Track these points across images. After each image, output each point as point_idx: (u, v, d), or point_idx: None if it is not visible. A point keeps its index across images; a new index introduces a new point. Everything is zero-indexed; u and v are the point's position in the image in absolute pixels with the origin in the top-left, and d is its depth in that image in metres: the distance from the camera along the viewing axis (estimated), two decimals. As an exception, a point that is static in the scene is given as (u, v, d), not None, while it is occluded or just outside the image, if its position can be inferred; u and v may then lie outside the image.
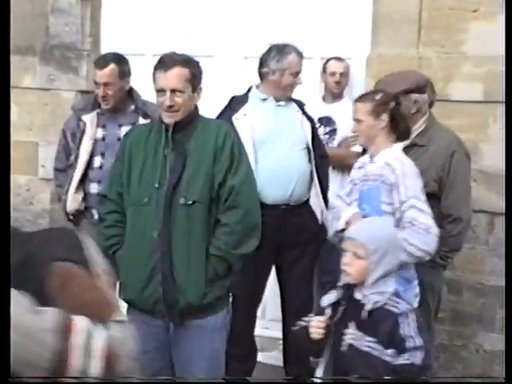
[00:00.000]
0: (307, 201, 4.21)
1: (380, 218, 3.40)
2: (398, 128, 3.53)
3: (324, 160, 4.31)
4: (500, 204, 4.43)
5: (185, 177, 3.16)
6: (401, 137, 3.55)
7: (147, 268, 3.16)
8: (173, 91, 3.15)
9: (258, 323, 4.88)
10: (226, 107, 4.22)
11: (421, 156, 3.67)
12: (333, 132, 4.85)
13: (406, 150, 3.64)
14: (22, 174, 5.59)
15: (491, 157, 4.45)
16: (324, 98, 4.95)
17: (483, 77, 4.40)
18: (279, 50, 4.14)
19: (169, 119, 3.18)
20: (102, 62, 4.15)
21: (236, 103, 4.25)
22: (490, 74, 4.38)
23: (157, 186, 3.15)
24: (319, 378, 3.11)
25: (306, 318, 3.08)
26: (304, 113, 4.25)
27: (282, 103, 4.23)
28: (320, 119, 4.78)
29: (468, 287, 4.55)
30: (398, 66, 4.37)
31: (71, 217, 4.22)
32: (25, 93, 5.51)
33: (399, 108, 3.56)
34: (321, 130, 4.72)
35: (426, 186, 3.56)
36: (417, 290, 3.44)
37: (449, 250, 3.74)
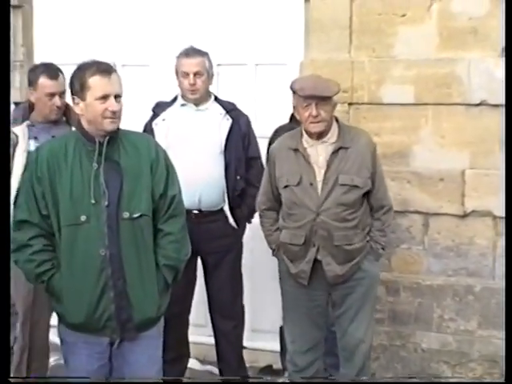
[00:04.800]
0: (222, 208, 4.27)
1: None
2: None
3: (254, 163, 4.35)
4: (434, 205, 4.53)
5: (125, 190, 3.10)
6: None
7: (97, 287, 3.07)
8: (116, 97, 3.11)
9: (202, 331, 4.92)
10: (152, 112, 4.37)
11: (350, 157, 3.76)
12: None
13: (334, 153, 3.75)
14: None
15: (424, 158, 4.53)
16: None
17: (414, 79, 4.47)
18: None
19: (112, 126, 3.10)
20: (52, 71, 4.09)
21: (158, 108, 4.37)
22: (420, 77, 4.46)
23: (93, 202, 3.06)
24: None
25: None
26: (229, 115, 4.28)
27: (201, 108, 4.29)
28: None
29: (405, 287, 4.61)
30: (331, 70, 4.44)
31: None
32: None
33: None
34: None
35: (364, 186, 3.74)
36: None
37: (387, 239, 3.90)
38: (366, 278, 3.82)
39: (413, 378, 4.43)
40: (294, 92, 3.78)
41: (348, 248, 3.75)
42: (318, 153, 3.76)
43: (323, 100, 3.68)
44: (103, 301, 3.08)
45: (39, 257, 3.11)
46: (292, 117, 4.43)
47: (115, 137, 3.15)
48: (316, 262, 3.76)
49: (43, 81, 4.10)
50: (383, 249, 3.87)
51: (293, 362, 3.94)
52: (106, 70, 3.11)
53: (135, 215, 3.09)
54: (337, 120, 3.86)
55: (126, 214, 3.08)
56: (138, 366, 3.20)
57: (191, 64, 4.24)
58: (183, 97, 4.31)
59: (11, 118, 4.17)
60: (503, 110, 4.31)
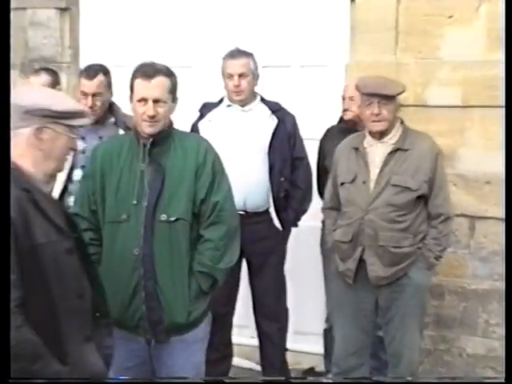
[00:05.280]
0: (268, 209, 4.27)
1: None
2: None
3: (299, 163, 4.34)
4: (480, 208, 4.47)
5: (165, 193, 3.10)
6: None
7: (130, 286, 3.10)
8: (155, 101, 3.11)
9: (245, 332, 4.93)
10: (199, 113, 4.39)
11: (407, 159, 3.75)
12: None
13: (391, 154, 3.75)
14: None
15: (469, 161, 4.48)
16: None
17: (460, 81, 4.43)
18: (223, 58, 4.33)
19: (150, 129, 3.11)
20: (91, 72, 4.13)
21: (205, 109, 4.39)
22: (466, 79, 4.41)
23: (135, 202, 3.08)
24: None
25: None
26: (275, 115, 4.29)
27: (246, 108, 4.32)
28: None
29: (450, 291, 4.56)
30: (377, 72, 4.39)
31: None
32: (5, 106, 5.48)
33: None
34: None
35: (418, 189, 3.70)
36: None
37: (442, 249, 3.83)
38: (411, 286, 3.75)
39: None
40: (358, 90, 3.81)
41: (394, 251, 3.71)
42: (376, 152, 3.78)
43: (386, 99, 3.70)
44: (135, 300, 3.10)
45: None
46: (341, 118, 4.44)
47: (162, 138, 3.16)
48: (362, 261, 3.76)
49: (81, 80, 4.17)
50: (437, 258, 3.79)
51: (337, 364, 3.94)
52: (148, 74, 3.12)
53: (172, 218, 3.08)
54: (402, 122, 3.85)
55: (164, 217, 3.08)
56: (175, 368, 3.19)
57: (236, 65, 4.26)
58: (229, 98, 4.33)
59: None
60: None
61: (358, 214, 3.73)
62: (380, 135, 3.77)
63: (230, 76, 4.26)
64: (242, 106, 4.32)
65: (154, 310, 3.09)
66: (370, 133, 3.80)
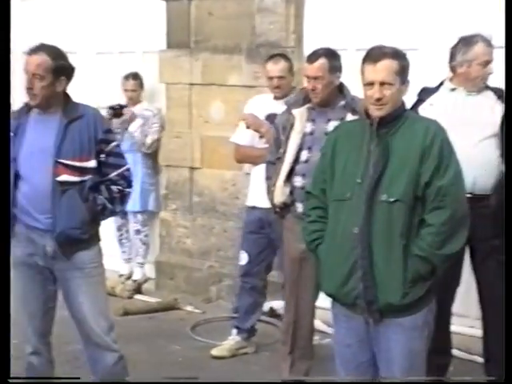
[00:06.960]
0: None
1: None
2: None
3: None
4: None
5: (388, 173, 3.12)
6: None
7: (348, 263, 3.15)
8: (382, 84, 3.13)
9: (463, 321, 4.82)
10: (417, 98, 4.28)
11: None
12: None
13: None
14: (227, 169, 5.80)
15: None
16: None
17: None
18: (465, 42, 4.13)
19: (377, 112, 3.15)
20: (313, 56, 4.21)
21: (425, 94, 4.31)
22: None
23: (359, 181, 3.14)
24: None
25: None
26: (501, 100, 4.13)
27: (472, 93, 4.20)
28: None
29: None
30: None
31: (277, 209, 4.32)
32: (231, 90, 5.72)
33: None
34: None
35: None
36: None
37: None
38: None
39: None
40: None
41: None
42: None
43: None
44: (352, 278, 3.14)
45: (311, 226, 3.33)
46: None
47: (391, 120, 3.17)
48: None
49: (305, 64, 4.25)
50: None
51: None
52: (374, 57, 3.16)
53: (391, 199, 3.08)
54: None
55: (384, 197, 3.10)
56: (391, 354, 3.18)
57: (488, 53, 4.12)
58: (451, 81, 4.24)
59: (292, 100, 4.34)
60: None
61: None
62: None
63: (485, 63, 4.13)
64: (468, 90, 4.21)
65: (369, 289, 3.12)
66: None
